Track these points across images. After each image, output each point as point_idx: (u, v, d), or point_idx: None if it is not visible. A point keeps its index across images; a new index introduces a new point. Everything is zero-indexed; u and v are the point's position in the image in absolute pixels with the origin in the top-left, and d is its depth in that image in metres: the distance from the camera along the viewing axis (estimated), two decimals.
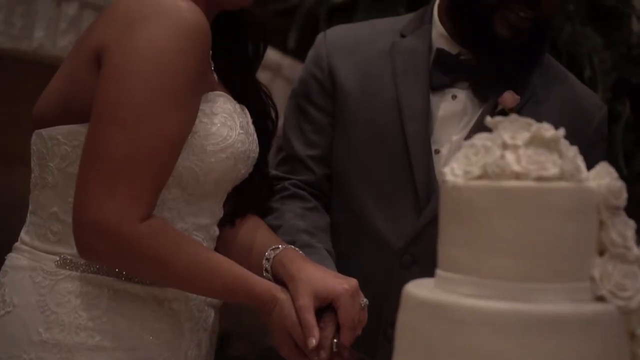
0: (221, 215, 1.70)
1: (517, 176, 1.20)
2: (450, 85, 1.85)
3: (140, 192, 1.47)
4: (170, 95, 1.47)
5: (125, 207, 1.46)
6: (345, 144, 1.88)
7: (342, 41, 1.91)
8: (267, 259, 1.68)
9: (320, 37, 1.95)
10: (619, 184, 1.25)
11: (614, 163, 3.46)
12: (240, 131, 1.61)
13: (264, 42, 1.78)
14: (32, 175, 1.63)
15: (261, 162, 1.76)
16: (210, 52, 1.65)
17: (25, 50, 3.16)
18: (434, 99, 1.85)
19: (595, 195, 1.24)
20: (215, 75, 1.68)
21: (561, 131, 1.25)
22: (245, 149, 1.63)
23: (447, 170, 1.26)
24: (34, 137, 1.62)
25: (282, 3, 3.68)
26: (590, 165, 1.85)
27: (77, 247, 1.50)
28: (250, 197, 1.77)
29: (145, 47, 1.46)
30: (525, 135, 1.24)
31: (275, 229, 1.80)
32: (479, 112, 1.84)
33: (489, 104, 1.84)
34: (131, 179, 1.46)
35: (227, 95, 1.63)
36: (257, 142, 1.71)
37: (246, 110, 1.71)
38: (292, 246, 1.72)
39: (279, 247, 1.69)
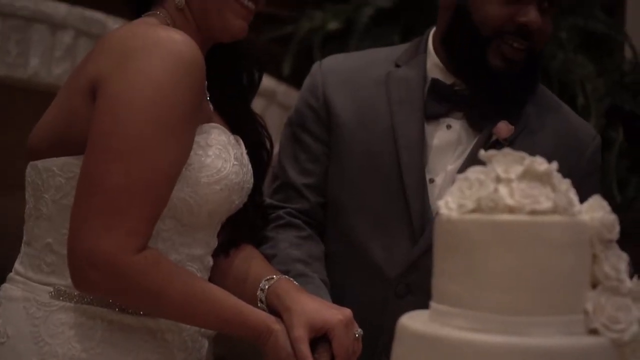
0: (215, 246, 1.70)
1: (511, 210, 1.21)
2: (445, 115, 1.86)
3: (135, 224, 1.47)
4: (165, 128, 1.48)
5: (121, 239, 1.46)
6: (340, 173, 1.89)
7: (338, 70, 1.92)
8: (262, 290, 1.68)
9: (315, 66, 1.96)
10: (612, 217, 1.26)
11: (607, 190, 3.50)
12: (235, 163, 1.61)
13: (259, 73, 1.79)
14: (27, 206, 1.63)
15: (255, 192, 1.76)
16: (206, 82, 1.66)
17: (20, 78, 3.17)
18: (428, 128, 1.86)
19: (589, 229, 1.24)
20: (210, 105, 1.69)
21: (554, 165, 1.26)
22: (240, 180, 1.63)
23: (441, 203, 1.26)
24: (28, 168, 1.62)
25: (277, 31, 3.70)
26: (585, 196, 1.87)
27: (72, 278, 1.50)
28: (244, 227, 1.77)
29: (140, 79, 1.47)
30: (518, 169, 1.24)
31: (269, 258, 1.80)
32: (474, 142, 1.84)
33: (484, 134, 1.85)
34: (126, 211, 1.46)
35: (221, 127, 1.64)
36: (251, 172, 1.71)
37: (241, 141, 1.72)
38: (287, 276, 1.72)
39: (273, 278, 1.69)
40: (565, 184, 1.27)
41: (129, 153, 1.46)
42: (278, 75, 3.66)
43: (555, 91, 3.42)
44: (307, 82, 1.95)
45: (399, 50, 1.95)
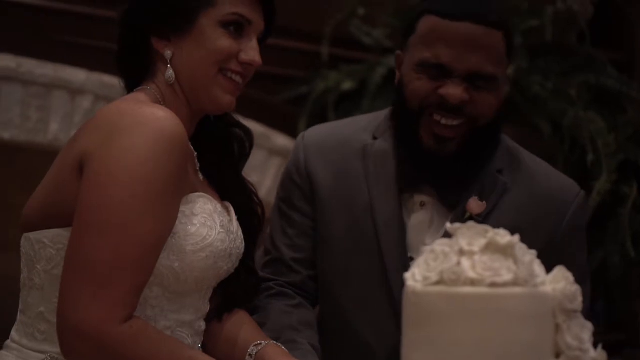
0: (207, 311, 1.75)
1: (473, 282, 1.25)
2: (417, 190, 1.85)
3: (121, 296, 1.53)
4: (149, 202, 1.54)
5: (107, 310, 1.52)
6: (326, 249, 1.90)
7: (319, 143, 1.94)
8: (250, 355, 1.72)
9: (299, 138, 1.99)
10: (574, 288, 1.30)
11: (621, 245, 3.49)
12: (221, 230, 1.66)
13: (249, 142, 1.84)
14: (22, 276, 1.70)
15: (247, 257, 1.81)
16: (195, 153, 1.72)
17: (41, 143, 3.26)
18: (405, 204, 1.86)
19: (551, 300, 1.28)
20: (200, 175, 1.75)
21: (516, 238, 1.30)
22: (226, 247, 1.68)
23: (408, 275, 1.31)
24: (22, 240, 1.69)
25: (293, 91, 3.77)
26: (564, 258, 1.89)
27: (61, 348, 1.56)
28: (236, 292, 1.82)
29: (125, 156, 1.54)
30: (481, 242, 1.29)
31: (261, 326, 1.83)
32: (448, 221, 1.84)
33: (457, 212, 1.84)
34: (112, 284, 1.52)
35: (207, 196, 1.69)
36: (242, 238, 1.76)
37: (231, 209, 1.77)
38: (276, 342, 1.76)
39: (261, 344, 1.73)
40: (529, 256, 1.31)
41: (113, 227, 1.52)
42: (294, 135, 3.73)
43: (566, 147, 3.47)
44: (291, 156, 1.98)
45: (379, 119, 1.95)
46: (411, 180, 1.86)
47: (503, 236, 1.29)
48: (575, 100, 3.44)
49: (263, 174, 3.67)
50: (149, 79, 1.72)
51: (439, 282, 1.27)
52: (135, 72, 1.72)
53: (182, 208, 1.63)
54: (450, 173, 1.83)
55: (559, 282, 1.30)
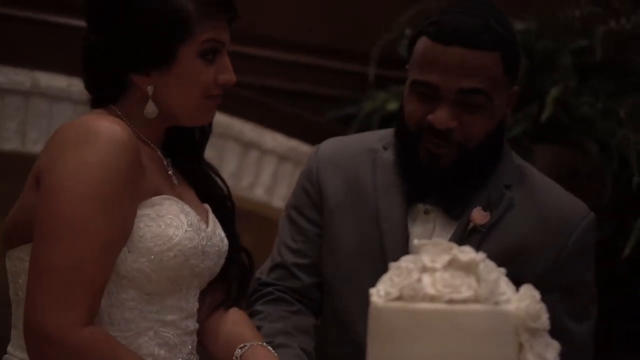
0: (193, 310, 1.78)
1: (432, 299, 1.26)
2: (423, 199, 1.88)
3: (79, 299, 1.59)
4: (99, 205, 1.60)
5: (66, 314, 1.58)
6: (332, 257, 1.93)
7: (332, 154, 1.98)
8: (236, 357, 1.76)
9: (313, 150, 2.03)
10: (538, 307, 1.29)
11: None
12: (188, 229, 1.70)
13: (208, 125, 1.86)
14: (9, 292, 1.77)
15: (233, 251, 1.84)
16: (169, 159, 1.78)
17: None
18: (411, 213, 1.89)
19: (513, 318, 1.27)
20: (175, 179, 1.78)
21: (480, 255, 1.30)
22: (195, 244, 1.71)
23: (373, 290, 1.32)
24: (6, 257, 1.77)
25: (341, 111, 3.80)
26: (570, 278, 1.87)
27: (28, 353, 1.64)
28: (229, 289, 1.85)
29: (73, 165, 1.61)
30: (444, 259, 1.29)
31: (257, 330, 1.87)
32: (452, 231, 1.86)
33: (462, 221, 1.86)
34: (69, 287, 1.59)
35: (173, 197, 1.73)
36: (221, 237, 1.80)
37: (209, 210, 1.81)
38: (263, 344, 1.79)
39: (246, 345, 1.77)
40: (495, 273, 1.30)
41: (65, 233, 1.59)
42: None
43: (614, 168, 3.41)
44: (305, 166, 2.02)
45: (391, 132, 1.98)
46: (417, 190, 1.88)
47: (466, 253, 1.29)
48: (624, 121, 3.38)
49: None
50: (118, 100, 1.75)
51: (399, 298, 1.27)
52: (106, 97, 1.76)
53: (147, 211, 1.68)
54: (450, 185, 1.85)
55: (524, 301, 1.29)
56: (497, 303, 1.27)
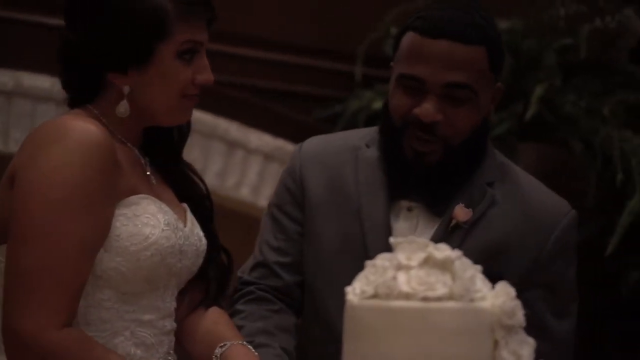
0: (170, 310, 1.77)
1: (406, 296, 1.25)
2: (406, 196, 1.88)
3: (55, 301, 1.59)
4: (70, 206, 1.59)
5: (42, 316, 1.58)
6: (314, 255, 1.93)
7: (315, 152, 1.98)
8: (216, 356, 1.76)
9: (297, 148, 2.02)
10: (513, 304, 1.29)
11: None
12: (165, 228, 1.70)
13: (187, 124, 1.84)
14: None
15: (213, 252, 1.83)
16: (147, 159, 1.77)
17: None
18: (393, 210, 1.89)
19: (488, 315, 1.27)
20: (153, 179, 1.77)
21: (456, 252, 1.30)
22: (172, 244, 1.71)
23: (349, 289, 1.32)
24: None
25: (328, 110, 3.79)
26: (551, 276, 1.88)
27: (7, 357, 1.62)
28: (208, 288, 1.85)
29: (45, 166, 1.61)
30: (420, 256, 1.29)
31: (238, 329, 1.85)
32: (435, 227, 1.86)
33: (444, 218, 1.86)
34: (44, 289, 1.58)
35: (151, 197, 1.73)
36: (199, 236, 1.79)
37: (187, 210, 1.80)
38: (243, 343, 1.78)
39: (226, 345, 1.76)
40: (470, 270, 1.30)
41: (39, 235, 1.59)
42: None
43: (598, 166, 3.42)
44: (287, 164, 2.02)
45: (374, 130, 1.98)
46: (400, 187, 1.88)
47: (442, 251, 1.29)
48: (608, 119, 3.39)
49: None
50: (95, 100, 1.74)
51: (374, 296, 1.27)
52: (83, 96, 1.75)
53: (124, 210, 1.67)
54: (434, 182, 1.85)
55: (499, 297, 1.29)
56: (472, 300, 1.27)
